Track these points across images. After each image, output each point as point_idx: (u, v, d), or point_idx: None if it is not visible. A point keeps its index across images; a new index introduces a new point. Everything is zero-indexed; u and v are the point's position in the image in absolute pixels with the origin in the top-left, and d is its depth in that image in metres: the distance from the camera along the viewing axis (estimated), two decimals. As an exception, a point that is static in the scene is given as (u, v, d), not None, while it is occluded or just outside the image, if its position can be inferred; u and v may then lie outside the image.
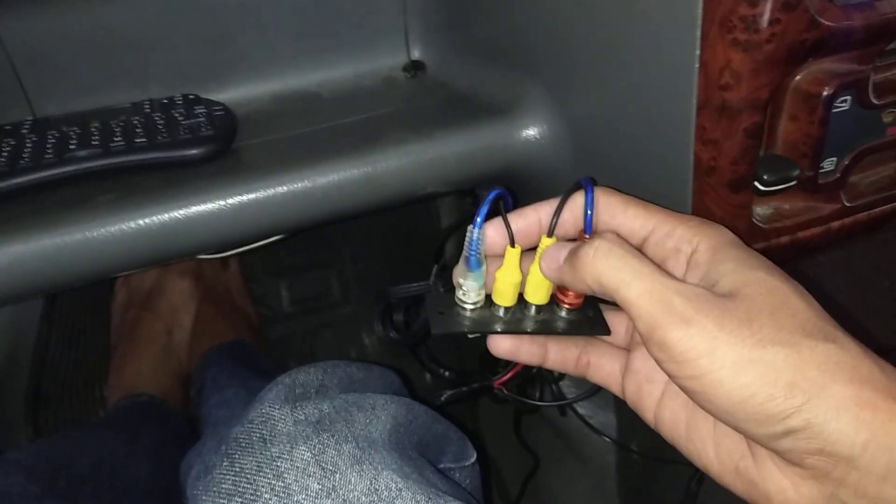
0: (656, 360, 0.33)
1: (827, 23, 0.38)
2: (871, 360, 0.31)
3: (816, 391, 0.30)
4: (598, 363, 0.42)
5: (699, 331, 0.31)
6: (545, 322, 0.40)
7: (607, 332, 0.40)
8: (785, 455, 0.32)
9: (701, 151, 0.42)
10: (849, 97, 0.42)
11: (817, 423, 0.30)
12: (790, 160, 0.44)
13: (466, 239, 0.39)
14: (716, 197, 0.44)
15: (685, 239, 0.36)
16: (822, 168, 0.45)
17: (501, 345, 0.41)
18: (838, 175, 0.45)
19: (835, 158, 0.45)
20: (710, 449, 0.36)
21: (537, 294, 0.40)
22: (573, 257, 0.36)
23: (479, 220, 0.38)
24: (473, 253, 0.38)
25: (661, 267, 0.36)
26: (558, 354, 0.42)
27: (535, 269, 0.39)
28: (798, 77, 0.42)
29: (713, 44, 0.39)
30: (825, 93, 0.41)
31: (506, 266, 0.39)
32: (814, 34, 0.38)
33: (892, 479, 0.30)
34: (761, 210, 0.46)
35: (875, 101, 0.43)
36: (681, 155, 0.44)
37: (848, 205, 0.47)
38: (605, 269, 0.34)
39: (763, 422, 0.31)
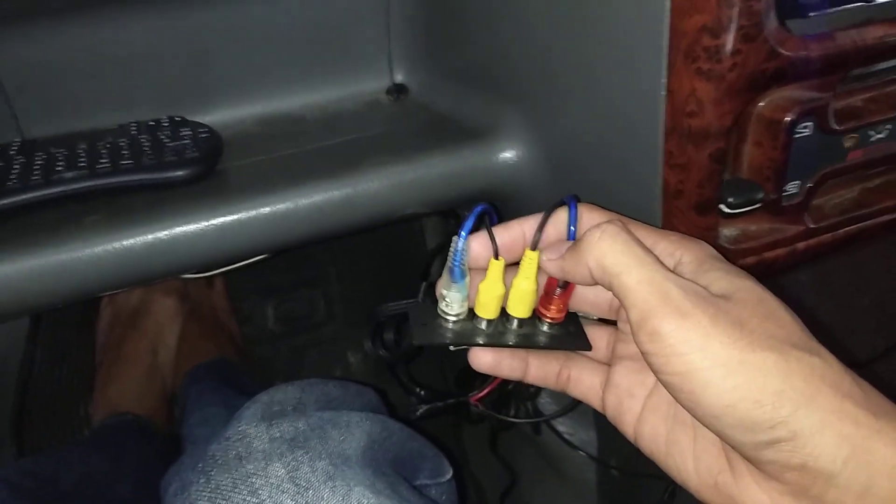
0: (644, 354, 0.33)
1: (786, 53, 0.40)
2: (851, 376, 0.32)
3: (804, 402, 0.30)
4: (579, 378, 0.42)
5: (693, 325, 0.31)
6: (527, 336, 0.41)
7: (588, 347, 0.41)
8: (765, 467, 0.32)
9: (669, 175, 0.44)
10: (810, 123, 0.44)
11: (803, 436, 0.30)
12: (755, 183, 0.45)
13: (451, 249, 0.39)
14: (684, 219, 0.45)
15: (668, 252, 0.36)
16: (786, 191, 0.46)
17: (483, 359, 0.41)
18: (801, 198, 0.47)
19: (798, 182, 0.46)
20: (690, 463, 0.36)
21: (520, 307, 0.40)
22: (578, 241, 0.36)
23: (463, 232, 0.38)
24: (457, 264, 0.39)
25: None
26: (539, 369, 0.42)
27: (518, 283, 0.39)
28: (761, 104, 0.44)
29: (679, 73, 0.40)
30: (787, 119, 0.43)
31: (489, 278, 0.40)
32: (774, 64, 0.40)
33: (869, 497, 0.30)
34: (728, 232, 0.47)
35: (836, 127, 0.45)
36: (650, 178, 0.45)
37: (812, 226, 0.48)
38: (609, 251, 0.34)
39: (749, 429, 0.30)
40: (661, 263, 0.34)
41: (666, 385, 0.33)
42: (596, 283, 0.36)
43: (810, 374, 0.31)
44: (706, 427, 0.33)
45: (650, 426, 0.38)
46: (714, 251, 0.37)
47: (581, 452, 0.76)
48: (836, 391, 0.30)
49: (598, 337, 0.42)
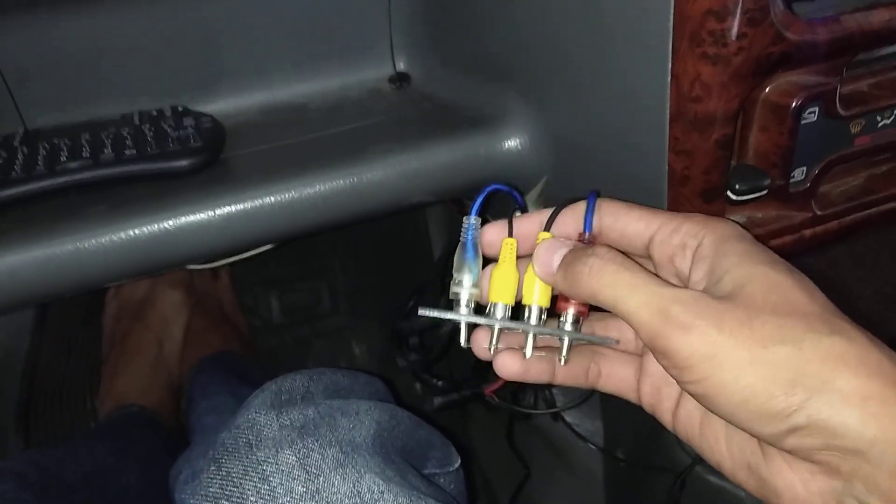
0: (663, 367, 0.33)
1: (792, 36, 0.40)
2: (881, 350, 0.31)
3: (818, 386, 0.30)
4: (610, 372, 0.41)
5: (698, 336, 0.31)
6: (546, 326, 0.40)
7: (614, 340, 0.40)
8: (794, 452, 0.31)
9: (674, 162, 0.44)
10: (816, 108, 0.44)
11: (821, 419, 0.29)
12: (761, 170, 0.45)
13: (462, 228, 0.39)
14: (690, 206, 0.45)
15: (691, 234, 0.36)
16: (793, 177, 0.46)
17: (510, 367, 0.39)
18: (808, 184, 0.47)
19: (804, 168, 0.46)
20: (723, 446, 0.36)
21: (537, 297, 0.39)
22: (569, 271, 0.36)
23: (475, 206, 0.38)
24: (469, 239, 0.39)
25: (658, 273, 0.37)
26: (567, 370, 0.41)
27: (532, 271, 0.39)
28: (767, 89, 0.43)
29: (684, 57, 0.40)
30: (793, 104, 0.43)
31: (502, 259, 0.39)
32: (780, 47, 0.40)
33: None
34: (734, 219, 0.47)
35: (842, 112, 0.45)
36: (656, 165, 0.45)
37: (819, 213, 0.48)
38: (599, 286, 0.35)
39: (767, 421, 0.30)
40: (656, 279, 0.34)
41: (688, 392, 0.33)
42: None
43: (828, 356, 0.30)
44: (729, 423, 0.33)
45: (686, 412, 0.38)
46: (739, 230, 0.36)
47: (591, 445, 0.76)
48: (858, 370, 0.30)
49: (627, 328, 0.41)
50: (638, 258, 0.38)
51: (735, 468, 0.36)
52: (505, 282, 0.39)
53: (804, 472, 0.32)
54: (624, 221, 0.38)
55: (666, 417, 0.39)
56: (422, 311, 0.38)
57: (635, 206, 0.38)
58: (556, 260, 0.37)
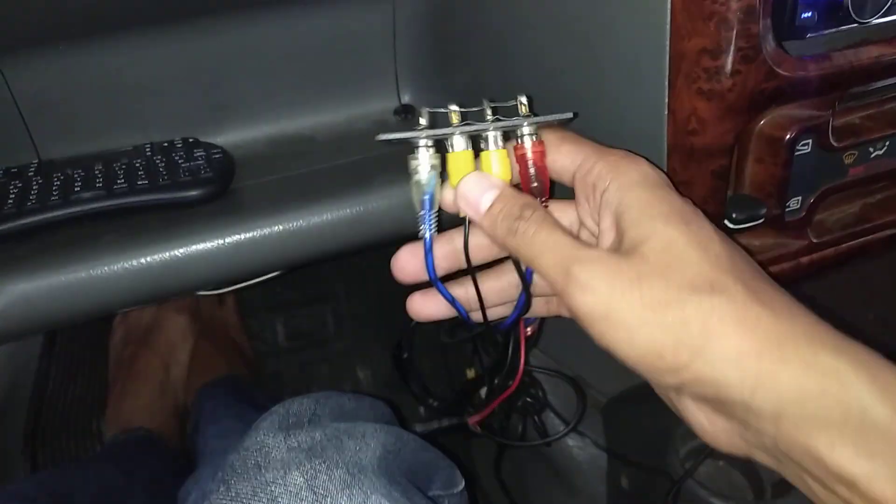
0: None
1: (784, 73, 0.41)
2: (760, 305, 0.33)
3: (700, 346, 0.32)
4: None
5: (593, 296, 0.34)
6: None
7: (570, 115, 0.42)
8: (692, 399, 0.35)
9: (672, 192, 0.45)
10: (810, 140, 0.45)
11: (705, 376, 0.32)
12: (757, 199, 0.46)
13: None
14: (687, 234, 0.46)
15: (601, 176, 0.38)
16: (788, 207, 0.47)
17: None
18: (804, 213, 0.48)
19: (800, 198, 0.47)
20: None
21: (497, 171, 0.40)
22: (497, 224, 0.38)
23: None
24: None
25: (578, 209, 0.40)
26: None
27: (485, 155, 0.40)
28: (762, 122, 0.45)
29: (680, 93, 0.41)
30: (787, 136, 0.44)
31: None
32: (773, 84, 0.41)
33: (784, 418, 0.31)
34: (731, 247, 0.48)
35: (835, 144, 0.46)
36: (654, 195, 0.46)
37: (815, 241, 0.49)
38: (518, 246, 0.37)
39: (661, 375, 0.33)
40: (568, 238, 0.36)
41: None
42: None
43: (709, 317, 0.32)
44: None
45: None
46: (643, 175, 0.37)
47: (596, 458, 0.75)
48: (736, 328, 0.32)
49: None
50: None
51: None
52: (462, 166, 0.40)
53: (708, 412, 0.35)
54: (552, 157, 0.41)
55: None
56: (380, 137, 0.39)
57: (567, 140, 0.40)
58: (485, 202, 0.39)
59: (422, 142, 0.40)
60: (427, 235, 0.40)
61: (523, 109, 0.41)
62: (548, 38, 0.50)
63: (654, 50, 0.41)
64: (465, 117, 0.40)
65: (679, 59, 0.40)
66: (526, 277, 0.41)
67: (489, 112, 0.41)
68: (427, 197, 0.40)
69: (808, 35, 0.42)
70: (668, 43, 0.40)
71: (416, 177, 0.40)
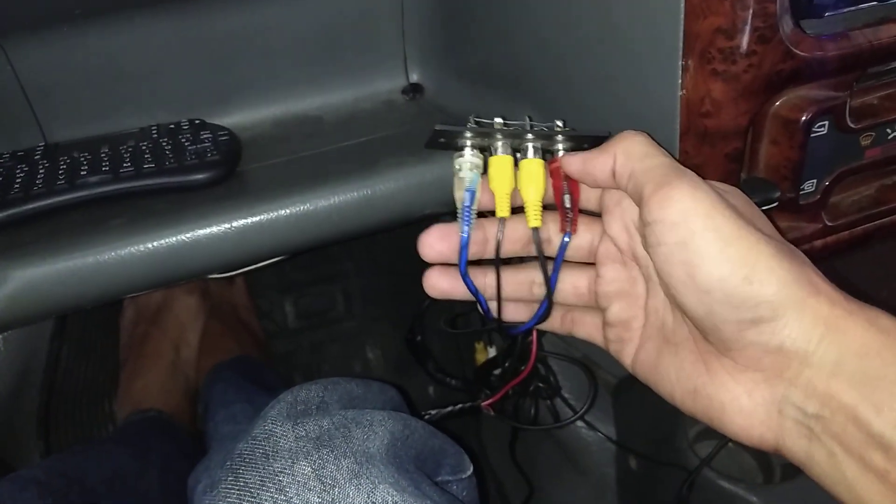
0: (650, 225, 0.35)
1: (802, 53, 0.40)
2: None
3: (790, 281, 0.32)
4: (581, 320, 0.45)
5: (703, 196, 0.34)
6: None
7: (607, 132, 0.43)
8: (744, 353, 0.34)
9: (685, 175, 0.44)
10: (826, 122, 0.44)
11: (784, 316, 0.32)
12: (771, 182, 0.45)
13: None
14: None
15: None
16: (803, 189, 0.46)
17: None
18: (818, 196, 0.47)
19: (815, 180, 0.46)
20: (673, 377, 0.39)
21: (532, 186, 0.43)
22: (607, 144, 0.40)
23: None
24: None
25: (593, 244, 0.43)
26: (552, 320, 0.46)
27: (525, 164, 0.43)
28: (777, 103, 0.44)
29: (694, 74, 0.41)
30: (803, 118, 0.43)
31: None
32: (789, 64, 0.40)
33: (840, 374, 0.31)
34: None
35: (852, 126, 0.45)
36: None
37: (829, 224, 0.49)
38: (637, 142, 0.38)
39: (736, 306, 0.33)
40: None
41: (663, 260, 0.35)
42: (604, 184, 0.40)
43: (789, 258, 0.33)
44: (693, 312, 0.35)
45: (644, 352, 0.41)
46: (643, 145, 0.38)
47: (604, 445, 0.76)
48: (811, 278, 0.33)
49: (578, 278, 0.44)
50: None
51: (684, 395, 0.39)
52: (503, 169, 0.42)
53: (748, 383, 0.35)
54: (591, 165, 0.41)
55: (627, 360, 0.43)
56: (438, 127, 0.42)
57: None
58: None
59: (468, 141, 0.43)
60: (465, 233, 0.42)
61: (559, 129, 0.43)
62: (559, 17, 0.49)
63: (668, 29, 0.40)
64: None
65: (693, 39, 0.39)
66: (551, 284, 0.43)
67: (529, 127, 0.43)
68: (469, 193, 0.42)
69: (826, 14, 0.41)
70: (681, 22, 0.39)
71: (461, 173, 0.43)
